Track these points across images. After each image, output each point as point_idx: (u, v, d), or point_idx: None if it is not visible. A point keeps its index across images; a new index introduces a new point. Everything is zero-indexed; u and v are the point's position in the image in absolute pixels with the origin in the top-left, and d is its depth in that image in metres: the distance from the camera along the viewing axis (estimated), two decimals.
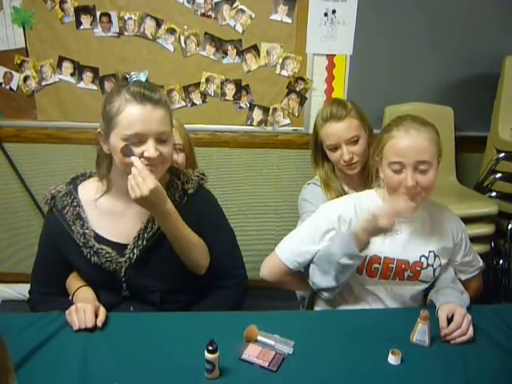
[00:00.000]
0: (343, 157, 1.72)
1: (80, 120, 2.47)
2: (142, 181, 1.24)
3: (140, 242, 1.39)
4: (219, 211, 1.54)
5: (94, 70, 2.44)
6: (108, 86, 2.44)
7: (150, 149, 1.27)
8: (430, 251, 1.46)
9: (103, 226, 1.41)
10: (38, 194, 2.58)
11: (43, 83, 2.45)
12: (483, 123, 2.56)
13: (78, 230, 1.39)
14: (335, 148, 1.74)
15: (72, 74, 2.44)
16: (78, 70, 2.43)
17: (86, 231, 1.39)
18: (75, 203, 1.40)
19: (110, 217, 1.41)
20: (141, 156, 1.27)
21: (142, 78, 1.31)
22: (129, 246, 1.39)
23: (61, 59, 2.42)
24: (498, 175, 2.47)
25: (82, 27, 2.37)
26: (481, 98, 2.57)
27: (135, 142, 1.27)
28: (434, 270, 1.47)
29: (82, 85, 2.46)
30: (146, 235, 1.39)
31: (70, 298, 1.43)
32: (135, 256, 1.39)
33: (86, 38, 2.39)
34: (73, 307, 1.31)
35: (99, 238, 1.39)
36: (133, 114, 1.26)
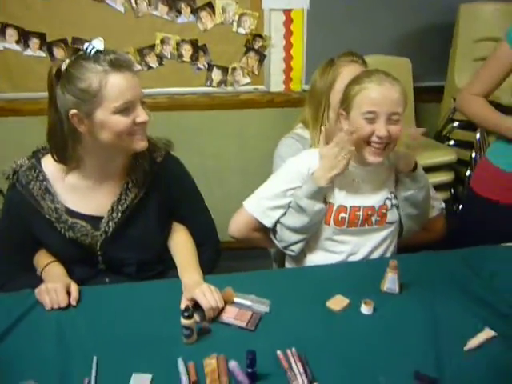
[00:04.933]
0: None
1: (31, 90, 2.35)
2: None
3: (115, 215, 1.37)
4: (189, 178, 1.53)
5: (41, 36, 2.31)
6: (57, 52, 2.32)
7: (142, 114, 1.26)
8: (391, 192, 1.52)
9: (74, 200, 1.37)
10: None
11: None
12: (440, 73, 2.61)
13: (48, 205, 1.34)
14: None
15: (17, 42, 2.31)
16: (24, 36, 2.30)
17: (58, 206, 1.34)
18: (41, 177, 1.35)
19: (80, 191, 1.37)
20: (133, 123, 1.25)
21: (100, 46, 1.23)
22: (103, 220, 1.37)
23: (3, 26, 2.28)
24: (456, 124, 2.53)
25: None
26: (437, 47, 2.60)
27: (123, 111, 1.23)
28: (397, 208, 1.53)
29: (29, 52, 2.33)
30: (120, 207, 1.37)
31: (39, 274, 1.40)
32: (110, 229, 1.37)
33: (29, 2, 2.25)
34: (43, 286, 1.28)
35: (71, 213, 1.36)
36: (119, 84, 1.21)
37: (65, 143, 1.30)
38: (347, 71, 1.59)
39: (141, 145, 1.31)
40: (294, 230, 1.49)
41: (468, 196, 1.90)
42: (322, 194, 1.44)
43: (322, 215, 1.47)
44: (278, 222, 1.52)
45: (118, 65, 1.22)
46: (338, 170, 1.41)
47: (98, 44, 1.23)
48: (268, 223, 1.53)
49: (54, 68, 1.26)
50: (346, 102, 1.44)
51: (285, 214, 1.51)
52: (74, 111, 1.23)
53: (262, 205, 1.52)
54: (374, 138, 1.39)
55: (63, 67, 1.25)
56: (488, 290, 1.32)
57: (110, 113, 1.23)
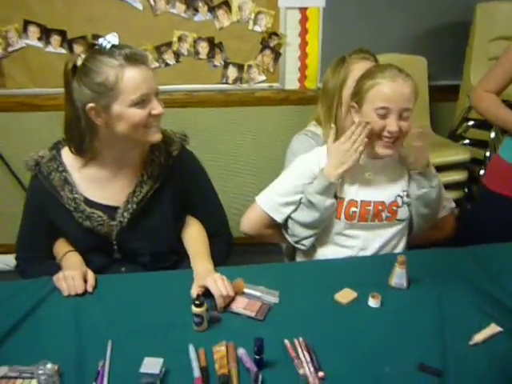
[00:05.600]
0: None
1: (51, 86, 2.41)
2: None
3: (130, 206, 1.41)
4: (203, 172, 1.57)
5: (62, 33, 2.37)
6: (77, 48, 2.38)
7: (157, 106, 1.30)
8: (403, 190, 1.53)
9: (92, 190, 1.42)
10: (14, 164, 2.54)
11: (9, 49, 2.37)
12: (456, 72, 2.60)
13: (67, 195, 1.39)
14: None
15: (39, 39, 2.37)
16: (45, 33, 2.36)
17: (76, 196, 1.39)
18: (61, 168, 1.40)
19: (97, 182, 1.42)
20: (149, 115, 1.29)
21: (115, 40, 1.27)
22: (119, 210, 1.41)
23: (26, 23, 2.34)
24: (471, 123, 2.53)
25: None
26: (453, 46, 2.59)
27: (139, 103, 1.27)
28: (408, 205, 1.54)
29: (50, 49, 2.39)
30: (135, 199, 1.41)
31: (58, 262, 1.45)
32: (126, 220, 1.41)
33: (51, 0, 2.30)
34: (60, 274, 1.33)
35: (89, 202, 1.41)
36: (135, 78, 1.25)
37: (82, 136, 1.34)
38: (358, 68, 1.59)
39: (155, 137, 1.35)
40: (305, 226, 1.51)
41: (480, 192, 1.91)
42: (332, 190, 1.46)
43: (333, 210, 1.49)
44: (289, 217, 1.55)
45: (134, 59, 1.26)
46: (348, 164, 1.43)
47: (112, 39, 1.27)
48: (279, 219, 1.55)
49: (70, 62, 1.29)
50: (358, 96, 1.45)
51: (296, 209, 1.53)
52: (91, 105, 1.27)
53: (274, 201, 1.55)
54: (385, 133, 1.41)
55: (79, 62, 1.28)
56: (496, 287, 1.33)
57: (126, 106, 1.27)
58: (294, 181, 1.53)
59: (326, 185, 1.44)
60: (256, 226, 1.59)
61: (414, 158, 1.49)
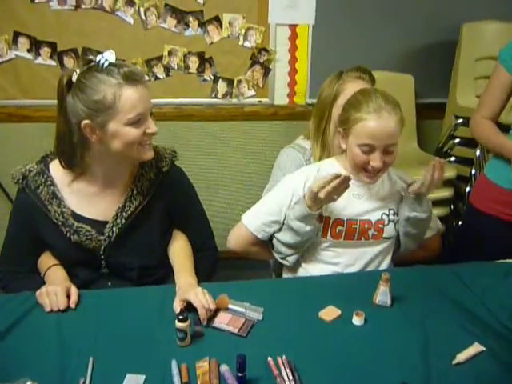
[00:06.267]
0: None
1: (40, 97, 2.42)
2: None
3: (119, 221, 1.41)
4: (192, 188, 1.58)
5: (52, 45, 2.38)
6: (67, 61, 2.39)
7: (152, 125, 1.32)
8: (389, 209, 1.54)
9: (80, 204, 1.41)
10: (2, 176, 2.52)
11: None
12: (442, 90, 2.64)
13: (54, 209, 1.38)
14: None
15: (29, 50, 2.37)
16: (35, 45, 2.36)
17: (64, 210, 1.39)
18: (49, 182, 1.39)
19: (86, 196, 1.42)
20: (144, 134, 1.30)
21: (112, 58, 1.27)
22: (108, 225, 1.41)
23: (16, 34, 2.34)
24: (457, 140, 2.56)
25: (37, 0, 2.29)
26: (439, 65, 2.63)
27: (135, 122, 1.28)
28: (395, 224, 1.54)
29: (39, 60, 2.40)
30: (124, 214, 1.41)
31: (42, 276, 1.43)
32: (114, 234, 1.41)
33: (41, 12, 2.32)
34: (43, 289, 1.31)
35: (77, 217, 1.40)
36: (132, 97, 1.26)
37: (73, 150, 1.34)
38: (351, 88, 1.58)
39: (148, 155, 1.36)
40: (288, 246, 1.52)
41: (467, 211, 1.92)
42: (312, 218, 1.44)
43: (315, 233, 1.48)
44: (273, 235, 1.55)
45: (132, 78, 1.26)
46: (329, 201, 1.43)
47: (110, 56, 1.27)
48: (263, 237, 1.56)
49: (64, 77, 1.29)
50: (344, 125, 1.45)
51: (280, 228, 1.53)
52: (86, 121, 1.27)
53: (259, 219, 1.55)
54: (368, 167, 1.41)
55: (74, 77, 1.28)
56: (479, 306, 1.33)
57: (122, 124, 1.27)
58: (280, 200, 1.53)
59: (305, 213, 1.43)
60: (242, 244, 1.59)
61: (426, 188, 1.45)
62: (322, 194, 1.37)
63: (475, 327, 1.26)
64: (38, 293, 1.32)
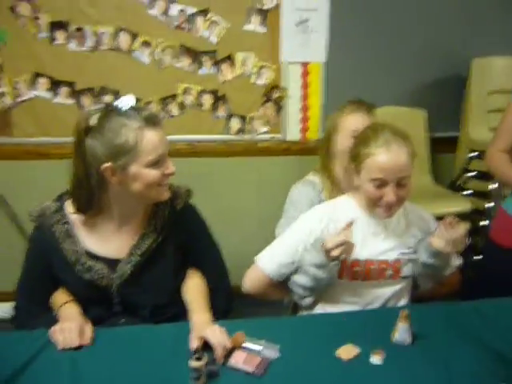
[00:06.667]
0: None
1: (58, 135, 2.46)
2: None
3: (133, 258, 1.41)
4: (206, 227, 1.57)
5: (70, 85, 2.44)
6: (84, 100, 2.45)
7: (170, 166, 1.35)
8: (407, 247, 1.51)
9: (94, 242, 1.41)
10: (20, 212, 2.56)
11: (18, 99, 2.44)
12: (455, 124, 2.65)
13: (68, 247, 1.39)
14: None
15: (48, 89, 2.44)
16: (54, 85, 2.43)
17: (77, 248, 1.39)
18: (64, 220, 1.40)
19: (101, 235, 1.42)
20: (163, 175, 1.33)
21: (132, 102, 1.30)
22: (121, 263, 1.41)
23: (36, 75, 2.41)
24: (471, 174, 2.55)
25: (56, 42, 2.37)
26: (451, 99, 2.65)
27: (155, 164, 1.30)
28: (413, 263, 1.51)
29: (58, 99, 2.46)
30: (138, 251, 1.41)
31: (55, 313, 1.42)
32: (128, 272, 1.41)
33: (60, 53, 2.39)
34: (57, 327, 1.30)
35: (90, 255, 1.40)
36: (153, 140, 1.29)
37: (91, 193, 1.34)
38: (348, 121, 1.69)
39: (165, 195, 1.39)
40: (304, 288, 1.49)
41: (487, 247, 1.89)
42: (330, 267, 1.41)
43: (332, 278, 1.45)
44: (290, 277, 1.53)
45: (152, 121, 1.29)
46: (344, 257, 1.40)
47: (130, 100, 1.30)
48: (280, 279, 1.53)
49: (82, 121, 1.30)
50: (355, 162, 1.44)
51: (297, 269, 1.50)
52: (107, 164, 1.29)
53: (275, 261, 1.52)
54: (382, 202, 1.40)
55: (92, 120, 1.30)
56: (503, 345, 1.29)
57: (142, 166, 1.29)
58: (295, 241, 1.51)
59: (322, 262, 1.40)
60: (258, 286, 1.56)
61: (446, 247, 1.39)
62: (335, 253, 1.35)
63: (500, 367, 1.21)
64: (51, 330, 1.31)
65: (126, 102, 1.29)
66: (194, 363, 1.13)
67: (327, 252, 1.36)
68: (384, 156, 1.36)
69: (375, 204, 1.42)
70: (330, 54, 2.53)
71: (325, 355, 1.26)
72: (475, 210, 2.43)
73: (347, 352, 1.26)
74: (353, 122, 1.68)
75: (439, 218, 1.62)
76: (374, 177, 1.38)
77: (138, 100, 2.36)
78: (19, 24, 2.33)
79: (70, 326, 1.30)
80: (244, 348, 1.27)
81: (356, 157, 1.44)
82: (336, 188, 1.76)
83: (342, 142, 1.70)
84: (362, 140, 1.44)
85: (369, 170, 1.39)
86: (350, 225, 1.35)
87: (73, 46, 2.38)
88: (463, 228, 1.38)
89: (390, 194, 1.37)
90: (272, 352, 1.26)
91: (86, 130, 1.30)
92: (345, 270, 1.47)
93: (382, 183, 1.38)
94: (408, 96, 2.65)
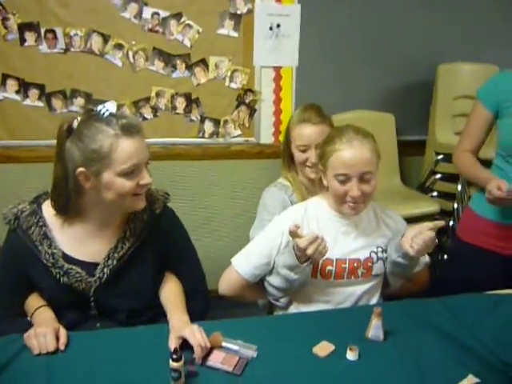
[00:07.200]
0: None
1: (28, 138, 2.42)
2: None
3: (110, 262, 1.40)
4: (184, 231, 1.57)
5: (40, 87, 2.40)
6: (55, 102, 2.41)
7: (146, 176, 1.32)
8: (377, 246, 1.55)
9: (71, 245, 1.40)
10: None
11: None
12: (422, 127, 2.73)
13: (45, 250, 1.37)
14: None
15: (17, 92, 2.39)
16: (24, 87, 2.39)
17: (55, 251, 1.37)
18: (41, 223, 1.38)
19: (78, 238, 1.41)
20: (137, 185, 1.31)
21: (113, 109, 1.30)
22: (99, 266, 1.40)
23: (5, 76, 2.36)
24: (438, 176, 2.63)
25: (26, 44, 2.33)
26: (419, 103, 2.74)
27: (129, 174, 1.29)
28: (384, 262, 1.56)
29: (27, 102, 2.41)
30: (116, 255, 1.40)
31: (29, 318, 1.40)
32: (105, 276, 1.40)
33: (30, 55, 2.35)
34: (32, 331, 1.29)
35: (68, 258, 1.39)
36: (128, 149, 1.27)
37: (68, 196, 1.34)
38: (294, 133, 1.78)
39: (140, 205, 1.37)
40: (278, 289, 1.52)
41: (454, 244, 1.96)
42: (301, 268, 1.43)
43: (305, 280, 1.48)
44: (265, 278, 1.56)
45: (129, 130, 1.28)
46: (319, 257, 1.41)
47: (111, 107, 1.30)
48: (255, 280, 1.56)
49: (65, 124, 1.30)
50: (321, 161, 1.50)
51: (271, 271, 1.53)
52: (81, 169, 1.28)
53: (250, 263, 1.55)
54: (348, 198, 1.45)
55: (75, 124, 1.30)
56: (472, 338, 1.34)
57: (115, 174, 1.28)
58: (269, 243, 1.54)
59: (294, 264, 1.43)
60: (234, 288, 1.59)
61: (416, 253, 1.42)
62: (309, 251, 1.37)
63: (469, 359, 1.27)
64: (26, 335, 1.29)
65: (107, 108, 1.29)
66: (172, 363, 1.13)
67: (302, 251, 1.38)
68: (347, 152, 1.42)
69: (342, 201, 1.47)
70: (302, 58, 2.57)
71: (302, 353, 1.29)
72: (443, 211, 2.51)
73: (323, 349, 1.29)
74: (300, 135, 1.75)
75: (409, 220, 1.68)
76: (338, 172, 1.43)
77: None
78: None
79: (46, 330, 1.28)
80: (222, 348, 1.28)
81: (322, 156, 1.50)
82: (307, 190, 1.81)
83: (296, 154, 1.78)
84: (327, 140, 1.50)
85: (333, 167, 1.44)
86: (297, 227, 1.36)
87: (43, 47, 2.34)
88: (433, 231, 1.43)
89: (353, 188, 1.42)
90: (249, 351, 1.27)
91: (67, 132, 1.30)
92: (317, 269, 1.50)
93: (346, 178, 1.43)
94: (377, 100, 2.72)
